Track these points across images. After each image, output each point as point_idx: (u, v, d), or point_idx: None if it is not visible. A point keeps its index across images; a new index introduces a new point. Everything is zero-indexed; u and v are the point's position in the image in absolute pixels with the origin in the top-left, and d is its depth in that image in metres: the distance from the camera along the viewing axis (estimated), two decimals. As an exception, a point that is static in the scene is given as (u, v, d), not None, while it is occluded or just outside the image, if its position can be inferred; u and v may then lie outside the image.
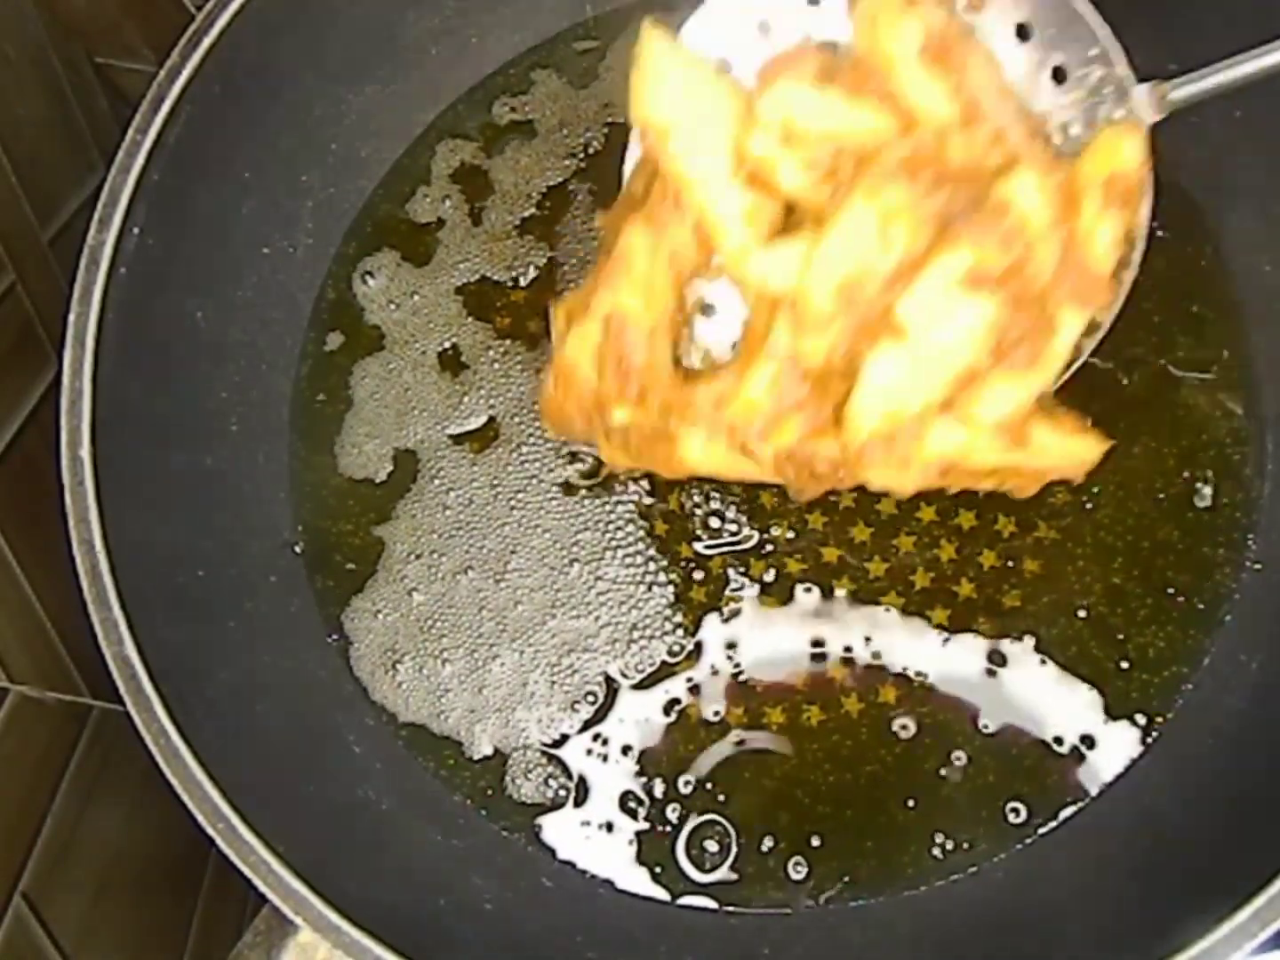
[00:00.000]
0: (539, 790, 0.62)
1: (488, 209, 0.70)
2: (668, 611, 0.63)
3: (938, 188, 0.49)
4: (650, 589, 0.63)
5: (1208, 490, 0.62)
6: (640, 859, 0.60)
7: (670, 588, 0.63)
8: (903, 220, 0.48)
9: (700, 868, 0.60)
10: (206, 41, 0.58)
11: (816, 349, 0.50)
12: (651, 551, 0.64)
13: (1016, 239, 0.48)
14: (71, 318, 0.56)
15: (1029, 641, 0.61)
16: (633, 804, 0.61)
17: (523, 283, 0.69)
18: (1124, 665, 0.60)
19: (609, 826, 0.61)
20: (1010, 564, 0.62)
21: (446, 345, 0.68)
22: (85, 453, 0.56)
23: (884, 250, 0.49)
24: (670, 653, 0.62)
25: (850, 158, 0.50)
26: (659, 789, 0.61)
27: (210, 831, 0.53)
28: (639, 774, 0.61)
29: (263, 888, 0.52)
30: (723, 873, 0.60)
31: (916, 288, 0.49)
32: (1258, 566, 0.61)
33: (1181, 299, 0.64)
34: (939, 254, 0.48)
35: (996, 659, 0.61)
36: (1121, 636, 0.61)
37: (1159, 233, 0.54)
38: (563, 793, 0.62)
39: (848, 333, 0.50)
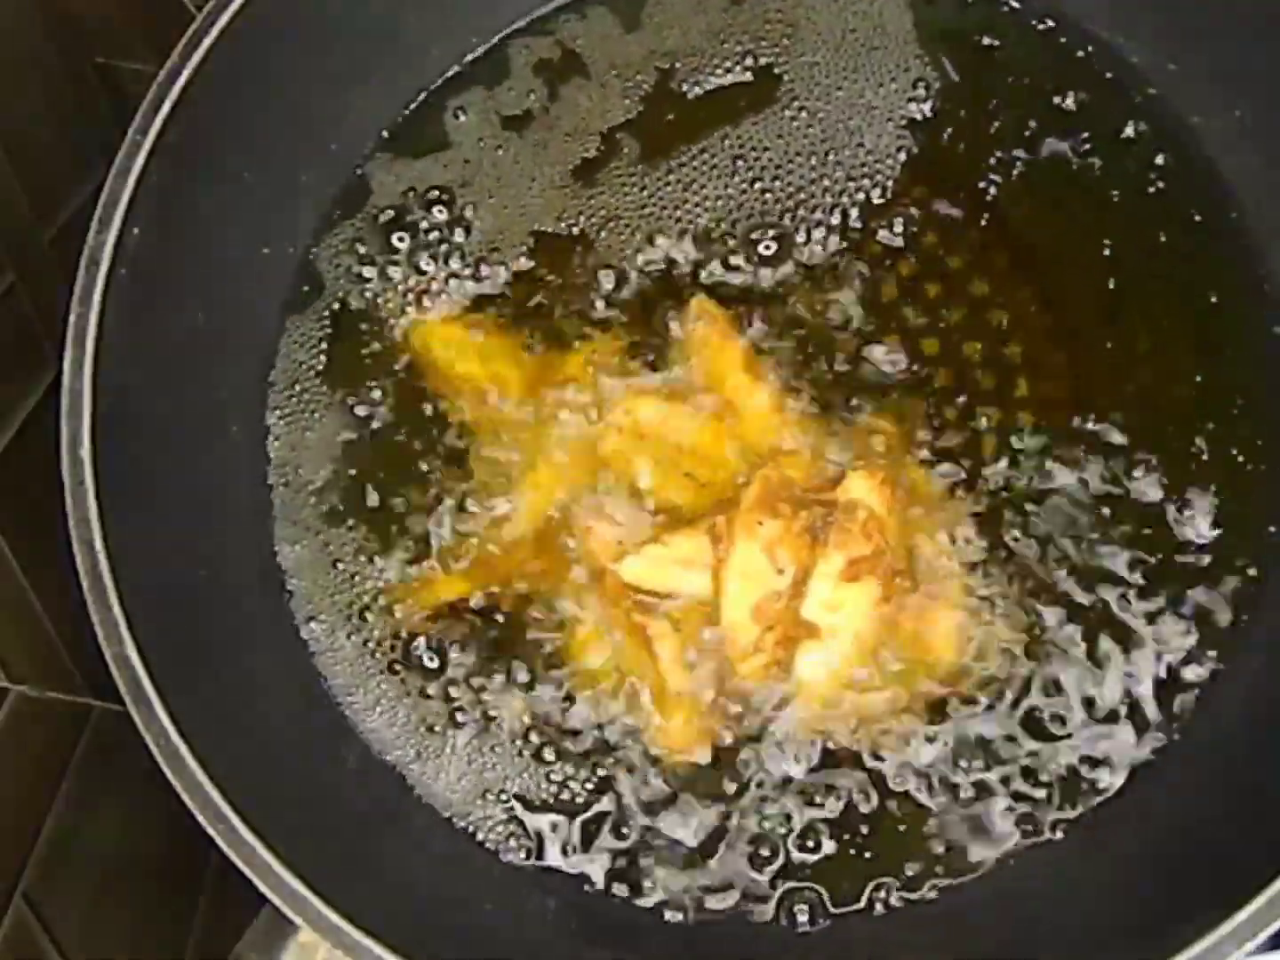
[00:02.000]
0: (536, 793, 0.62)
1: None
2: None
3: (799, 509, 0.58)
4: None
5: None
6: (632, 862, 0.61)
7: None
8: (783, 543, 0.57)
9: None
10: (206, 41, 0.58)
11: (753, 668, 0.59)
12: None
13: (874, 528, 0.57)
14: (71, 318, 0.56)
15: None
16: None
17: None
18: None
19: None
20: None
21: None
22: (85, 453, 0.55)
23: (778, 570, 0.58)
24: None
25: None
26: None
27: (210, 831, 0.52)
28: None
29: (263, 888, 0.52)
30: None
31: (809, 592, 0.57)
32: (1258, 571, 0.61)
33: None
34: (818, 561, 0.57)
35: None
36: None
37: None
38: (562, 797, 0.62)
39: (772, 647, 0.58)
